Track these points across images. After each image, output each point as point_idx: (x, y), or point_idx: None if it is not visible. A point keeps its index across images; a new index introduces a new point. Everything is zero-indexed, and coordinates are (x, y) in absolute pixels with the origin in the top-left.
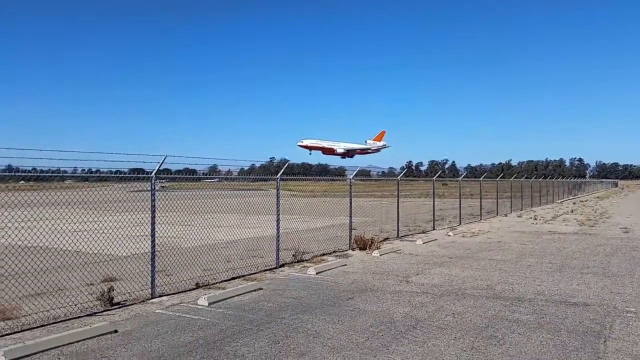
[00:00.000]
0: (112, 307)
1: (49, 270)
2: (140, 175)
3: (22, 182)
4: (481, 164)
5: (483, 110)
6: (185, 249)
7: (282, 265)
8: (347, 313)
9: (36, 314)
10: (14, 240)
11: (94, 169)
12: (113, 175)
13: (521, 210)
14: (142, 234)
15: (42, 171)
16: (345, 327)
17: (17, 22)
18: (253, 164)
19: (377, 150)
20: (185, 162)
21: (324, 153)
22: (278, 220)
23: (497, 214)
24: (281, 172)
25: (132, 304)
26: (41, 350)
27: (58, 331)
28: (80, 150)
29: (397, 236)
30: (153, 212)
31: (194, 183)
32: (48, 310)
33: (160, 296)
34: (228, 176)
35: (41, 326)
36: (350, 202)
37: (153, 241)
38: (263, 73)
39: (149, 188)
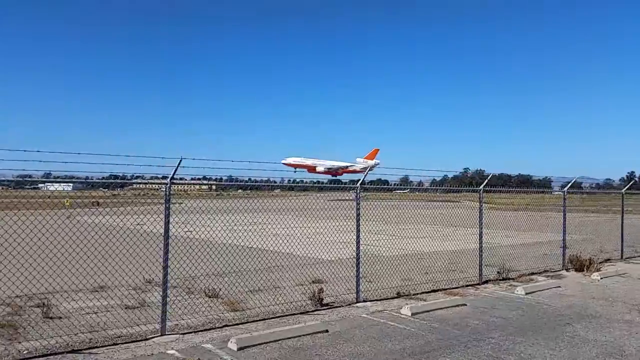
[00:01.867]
0: (322, 308)
1: (265, 270)
2: (344, 185)
3: (240, 190)
4: None
5: None
6: (384, 258)
7: (486, 282)
8: (566, 339)
9: (257, 308)
10: (237, 241)
11: (297, 180)
12: (315, 185)
13: None
14: (342, 240)
15: (255, 181)
16: (564, 354)
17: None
18: (445, 175)
19: (368, 168)
20: (378, 173)
21: (308, 171)
22: (481, 234)
23: None
24: (484, 183)
25: (339, 306)
26: (264, 342)
27: (276, 325)
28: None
29: (621, 257)
30: (358, 220)
31: (385, 193)
32: (267, 306)
33: (364, 301)
34: (419, 187)
35: (262, 320)
36: (564, 217)
37: (358, 248)
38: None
39: (349, 197)
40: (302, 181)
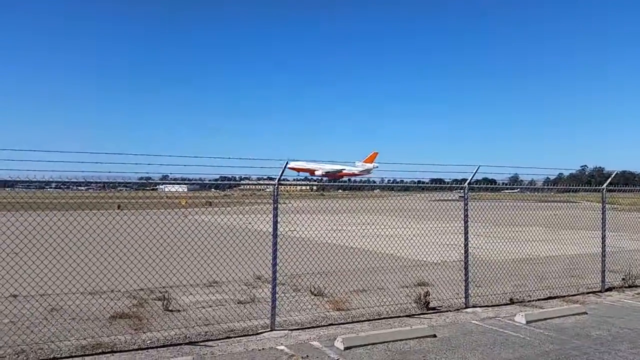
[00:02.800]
0: (428, 312)
1: (368, 270)
2: (449, 185)
3: (340, 190)
4: None
5: None
6: (493, 262)
7: (609, 289)
8: None
9: (362, 308)
10: (339, 241)
11: (398, 179)
12: (416, 185)
13: None
14: (447, 242)
15: (355, 181)
16: None
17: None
18: (561, 173)
19: (366, 172)
20: (486, 172)
21: (310, 175)
22: (604, 237)
23: None
24: (607, 182)
25: (446, 311)
26: (371, 343)
27: (382, 327)
28: (386, 162)
29: None
30: (466, 221)
31: (492, 194)
32: (372, 307)
33: (473, 307)
34: (531, 187)
35: (367, 320)
36: None
37: (466, 250)
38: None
39: (452, 198)
40: (402, 181)
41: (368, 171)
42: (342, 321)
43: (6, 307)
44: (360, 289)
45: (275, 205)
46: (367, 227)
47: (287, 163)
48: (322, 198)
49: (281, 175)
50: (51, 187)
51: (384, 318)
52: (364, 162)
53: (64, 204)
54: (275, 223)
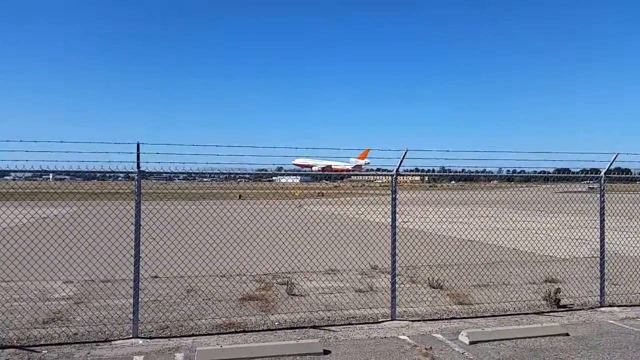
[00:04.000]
0: (558, 309)
1: (489, 264)
2: (579, 175)
3: (452, 182)
4: None
5: None
6: (632, 258)
7: None
8: None
9: (486, 303)
10: (456, 233)
11: (518, 169)
12: (539, 175)
13: None
14: (575, 236)
15: (469, 171)
16: None
17: None
18: None
19: (358, 168)
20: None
21: (309, 169)
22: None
23: None
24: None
25: (579, 309)
26: (497, 339)
27: (508, 323)
28: (504, 150)
29: None
30: (602, 214)
31: (623, 185)
32: (496, 303)
33: (610, 306)
34: None
35: (492, 316)
36: None
37: (602, 246)
38: None
39: (579, 190)
40: (522, 171)
41: (359, 167)
42: (464, 315)
43: (149, 287)
44: (482, 283)
45: (393, 196)
46: (485, 220)
47: (405, 152)
48: (434, 190)
49: (399, 166)
50: (179, 179)
51: (509, 314)
52: (357, 158)
53: (194, 194)
54: (394, 214)
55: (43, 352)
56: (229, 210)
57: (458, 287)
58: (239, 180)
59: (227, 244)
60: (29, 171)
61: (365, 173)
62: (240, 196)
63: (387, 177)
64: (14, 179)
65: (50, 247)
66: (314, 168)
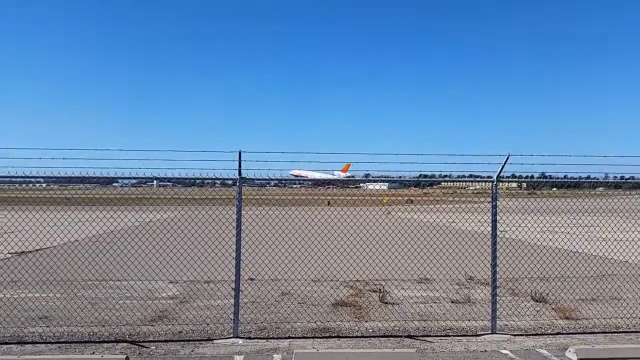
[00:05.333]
0: None
1: (597, 277)
2: None
3: (553, 189)
4: None
5: None
6: None
7: None
8: None
9: (594, 319)
10: (558, 244)
11: (627, 176)
12: None
13: None
14: None
15: (572, 178)
16: None
17: None
18: None
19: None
20: None
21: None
22: None
23: None
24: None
25: None
26: (609, 358)
27: (621, 341)
28: (611, 155)
29: None
30: None
31: None
32: (607, 318)
33: None
34: None
35: (601, 332)
36: None
37: None
38: None
39: None
40: (632, 177)
41: (341, 180)
42: (571, 331)
43: (246, 289)
44: (589, 297)
45: (494, 204)
46: (592, 230)
47: (508, 157)
48: (534, 197)
49: (500, 171)
50: (270, 185)
51: (622, 332)
52: (340, 171)
53: (283, 200)
54: (495, 222)
55: (152, 347)
56: (319, 216)
57: (563, 301)
58: (327, 187)
59: (318, 249)
60: (135, 178)
61: (461, 179)
62: (329, 203)
63: (485, 183)
64: (121, 186)
65: (155, 249)
66: (308, 178)
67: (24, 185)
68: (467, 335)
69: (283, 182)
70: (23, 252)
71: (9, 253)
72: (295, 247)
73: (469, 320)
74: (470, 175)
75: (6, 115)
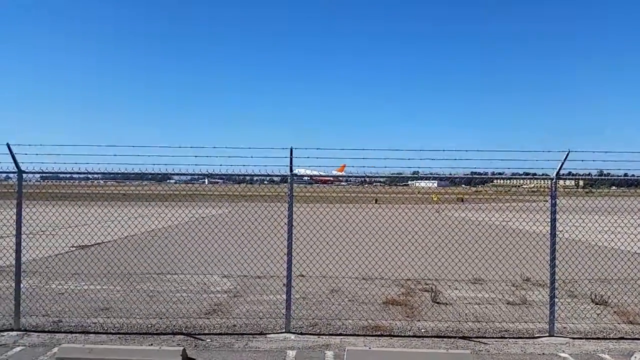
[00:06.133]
0: None
1: None
2: None
3: (613, 187)
4: None
5: None
6: None
7: None
8: None
9: None
10: (620, 245)
11: None
12: None
13: None
14: None
15: (633, 175)
16: None
17: None
18: None
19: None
20: None
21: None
22: None
23: None
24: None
25: None
26: None
27: None
28: None
29: None
30: None
31: None
32: None
33: None
34: None
35: None
36: None
37: None
38: None
39: None
40: None
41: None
42: (636, 336)
43: (297, 285)
44: None
45: (553, 202)
46: None
47: (568, 154)
48: (591, 196)
49: (560, 168)
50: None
51: None
52: (337, 170)
53: (330, 197)
54: (554, 221)
55: (207, 340)
56: (367, 214)
57: (626, 305)
58: (374, 184)
59: (367, 247)
60: (188, 174)
61: (516, 177)
62: (376, 200)
63: (542, 181)
64: (175, 182)
65: (208, 245)
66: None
67: (82, 182)
68: (524, 338)
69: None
70: (84, 245)
71: (72, 247)
72: (344, 244)
73: (525, 322)
74: (525, 173)
75: (67, 109)
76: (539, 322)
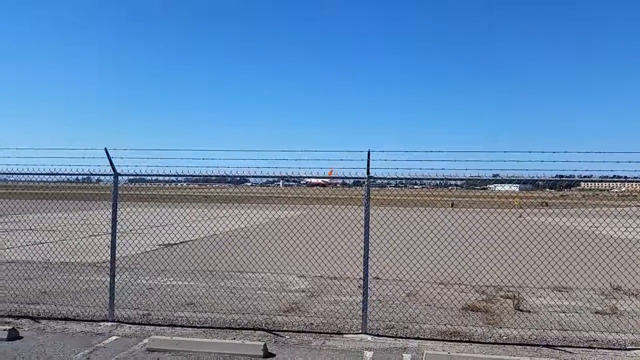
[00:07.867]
0: None
1: None
2: None
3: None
4: None
5: None
6: None
7: None
8: None
9: None
10: None
11: None
12: None
13: None
14: None
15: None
16: None
17: None
18: None
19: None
20: None
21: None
22: None
23: None
24: None
25: None
26: None
27: None
28: None
29: None
30: None
31: None
32: None
33: None
34: None
35: None
36: None
37: None
38: None
39: None
40: None
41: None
42: None
43: (373, 287)
44: None
45: None
46: None
47: None
48: None
49: None
50: (390, 185)
51: None
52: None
53: (404, 200)
54: None
55: (286, 337)
56: (443, 218)
57: None
58: (450, 187)
59: (444, 251)
60: (264, 177)
61: (605, 180)
62: (452, 204)
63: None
64: (252, 185)
65: (285, 245)
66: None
67: (166, 185)
68: (614, 349)
69: (403, 182)
70: (170, 244)
71: (158, 245)
72: (421, 248)
73: (616, 332)
74: (615, 177)
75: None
76: (632, 334)
